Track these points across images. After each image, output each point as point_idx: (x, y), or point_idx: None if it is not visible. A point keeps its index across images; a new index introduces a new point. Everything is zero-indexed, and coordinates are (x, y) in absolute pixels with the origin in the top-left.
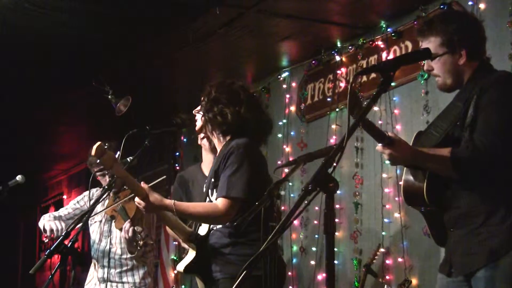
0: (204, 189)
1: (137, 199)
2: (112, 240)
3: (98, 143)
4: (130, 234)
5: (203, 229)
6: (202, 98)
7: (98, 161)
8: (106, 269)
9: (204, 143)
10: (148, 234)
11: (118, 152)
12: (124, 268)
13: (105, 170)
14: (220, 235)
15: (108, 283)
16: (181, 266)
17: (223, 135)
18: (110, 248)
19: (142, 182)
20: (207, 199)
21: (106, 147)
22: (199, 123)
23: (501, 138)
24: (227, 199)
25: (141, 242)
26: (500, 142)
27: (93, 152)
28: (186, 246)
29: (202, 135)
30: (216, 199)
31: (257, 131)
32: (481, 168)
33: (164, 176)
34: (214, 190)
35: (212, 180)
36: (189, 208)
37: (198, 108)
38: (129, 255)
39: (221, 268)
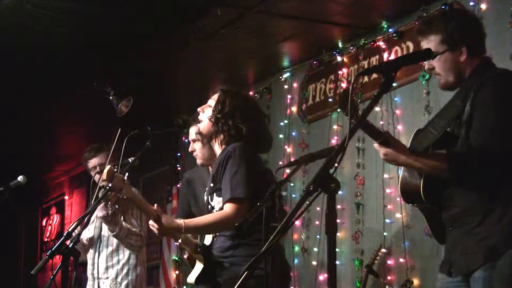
0: (205, 197)
1: (151, 222)
2: (102, 232)
3: (108, 167)
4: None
5: (208, 239)
6: (214, 105)
7: (110, 185)
8: (95, 265)
9: (197, 150)
10: (118, 207)
11: (127, 174)
12: (110, 263)
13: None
14: (223, 239)
15: (97, 280)
16: (191, 278)
17: (228, 144)
18: (99, 243)
19: (155, 205)
20: (209, 205)
21: (115, 170)
22: (204, 125)
23: (497, 136)
24: (233, 203)
25: (110, 211)
26: (495, 141)
27: (104, 177)
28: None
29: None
30: (222, 205)
31: (264, 147)
32: (477, 167)
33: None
34: (214, 194)
35: (211, 185)
36: (199, 223)
37: (209, 113)
38: (114, 247)
39: (227, 270)
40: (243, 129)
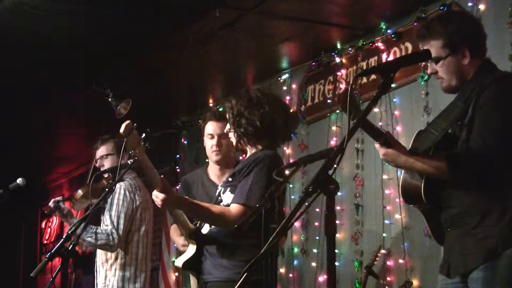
0: (219, 188)
1: (155, 192)
2: None
3: (128, 121)
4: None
5: (205, 228)
6: (227, 116)
7: (124, 139)
8: (96, 263)
9: (223, 146)
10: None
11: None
12: (101, 262)
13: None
14: (220, 236)
15: (96, 279)
16: (179, 262)
17: (258, 142)
18: None
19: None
20: (219, 197)
21: (134, 126)
22: (232, 141)
23: (497, 138)
24: (242, 206)
25: (52, 205)
26: (495, 143)
27: (121, 130)
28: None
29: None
30: (231, 203)
31: (286, 129)
32: (477, 169)
33: (168, 168)
34: (228, 189)
35: (230, 179)
36: (201, 207)
37: (228, 127)
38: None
39: (213, 270)
40: (255, 120)
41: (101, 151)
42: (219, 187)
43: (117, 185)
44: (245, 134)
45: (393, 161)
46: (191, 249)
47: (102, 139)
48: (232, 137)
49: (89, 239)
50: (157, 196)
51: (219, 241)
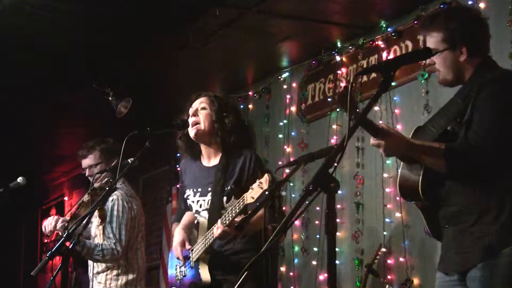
0: (215, 197)
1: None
2: (92, 233)
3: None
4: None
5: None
6: (211, 107)
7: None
8: (91, 266)
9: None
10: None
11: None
12: (100, 269)
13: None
14: (232, 241)
15: (92, 282)
16: (207, 277)
17: (224, 146)
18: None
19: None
20: (220, 205)
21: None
22: (206, 125)
23: (495, 137)
24: None
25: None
26: (492, 141)
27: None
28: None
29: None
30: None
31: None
32: (472, 166)
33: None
34: (233, 196)
35: (232, 186)
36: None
37: (206, 114)
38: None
39: (232, 269)
40: (237, 127)
41: (89, 160)
42: (214, 194)
43: (114, 196)
44: (227, 132)
45: (396, 148)
46: (204, 265)
47: (87, 148)
48: (207, 123)
49: (96, 257)
50: (225, 231)
51: (235, 246)
